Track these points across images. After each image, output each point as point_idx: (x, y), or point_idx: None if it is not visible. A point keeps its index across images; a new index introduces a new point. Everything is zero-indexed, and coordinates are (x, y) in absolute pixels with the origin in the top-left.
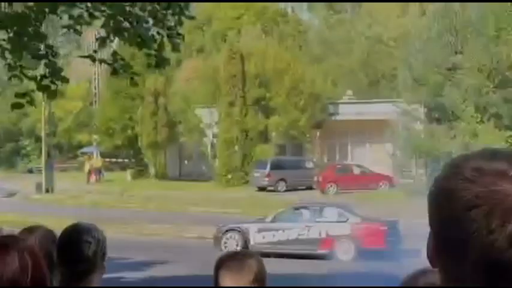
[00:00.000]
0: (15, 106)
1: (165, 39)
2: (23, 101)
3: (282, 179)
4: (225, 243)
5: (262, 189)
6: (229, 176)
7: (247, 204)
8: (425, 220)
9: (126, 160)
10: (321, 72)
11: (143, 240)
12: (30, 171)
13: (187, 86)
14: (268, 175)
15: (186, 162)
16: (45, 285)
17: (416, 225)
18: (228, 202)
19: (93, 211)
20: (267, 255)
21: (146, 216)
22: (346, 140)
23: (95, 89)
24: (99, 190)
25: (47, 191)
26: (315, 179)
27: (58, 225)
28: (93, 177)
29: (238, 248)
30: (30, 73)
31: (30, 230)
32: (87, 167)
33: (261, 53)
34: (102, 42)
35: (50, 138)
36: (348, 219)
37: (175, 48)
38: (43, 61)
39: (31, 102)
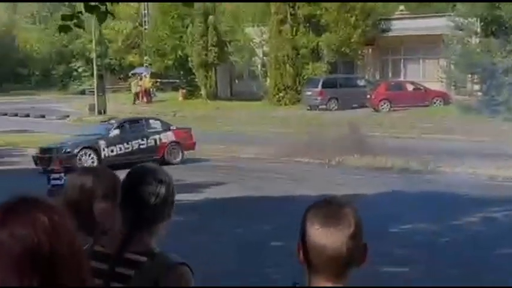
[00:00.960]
0: (63, 29)
1: None
2: (70, 23)
3: (333, 98)
4: (80, 159)
5: (313, 107)
6: (281, 95)
7: (299, 123)
8: (480, 138)
9: (177, 80)
10: None
11: (197, 162)
12: (83, 92)
13: (236, 4)
14: (320, 93)
15: (236, 81)
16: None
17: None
18: (280, 121)
19: None
20: (117, 166)
21: (198, 136)
22: (399, 57)
23: (145, 9)
24: (151, 111)
25: (100, 112)
26: (368, 96)
27: None
28: (142, 99)
29: (95, 164)
30: None
31: (88, 170)
32: (133, 88)
33: None
34: None
35: (101, 60)
36: (170, 127)
37: None
38: None
39: (79, 25)
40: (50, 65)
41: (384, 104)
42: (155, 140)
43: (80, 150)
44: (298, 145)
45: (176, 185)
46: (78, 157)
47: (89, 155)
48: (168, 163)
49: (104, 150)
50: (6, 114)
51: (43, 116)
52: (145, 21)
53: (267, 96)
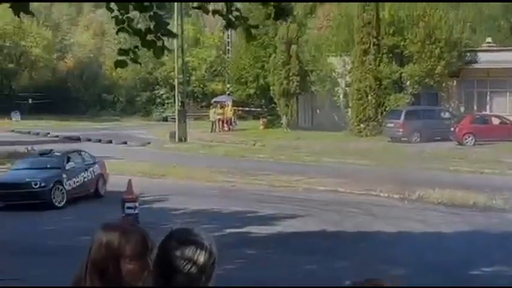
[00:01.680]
0: (119, 64)
1: None
2: (126, 58)
3: (416, 130)
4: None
5: (395, 140)
6: (362, 126)
7: (380, 156)
8: None
9: (258, 109)
10: (459, 19)
11: (273, 192)
12: (165, 119)
13: (320, 34)
14: (402, 125)
15: (317, 111)
16: None
17: None
18: (361, 153)
19: (225, 161)
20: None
21: (277, 167)
22: (484, 89)
23: (228, 37)
24: (231, 139)
25: (180, 140)
26: (451, 129)
27: (189, 174)
28: (222, 127)
29: (64, 199)
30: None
31: (114, 227)
32: (212, 116)
33: None
34: None
35: (183, 87)
36: (96, 160)
37: None
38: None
39: (135, 60)
40: (134, 91)
41: (468, 137)
42: (91, 172)
43: (54, 184)
44: (377, 178)
45: (249, 216)
46: (52, 192)
47: (60, 189)
48: (100, 195)
49: (65, 184)
50: (90, 140)
51: (125, 143)
52: (228, 50)
53: (348, 127)
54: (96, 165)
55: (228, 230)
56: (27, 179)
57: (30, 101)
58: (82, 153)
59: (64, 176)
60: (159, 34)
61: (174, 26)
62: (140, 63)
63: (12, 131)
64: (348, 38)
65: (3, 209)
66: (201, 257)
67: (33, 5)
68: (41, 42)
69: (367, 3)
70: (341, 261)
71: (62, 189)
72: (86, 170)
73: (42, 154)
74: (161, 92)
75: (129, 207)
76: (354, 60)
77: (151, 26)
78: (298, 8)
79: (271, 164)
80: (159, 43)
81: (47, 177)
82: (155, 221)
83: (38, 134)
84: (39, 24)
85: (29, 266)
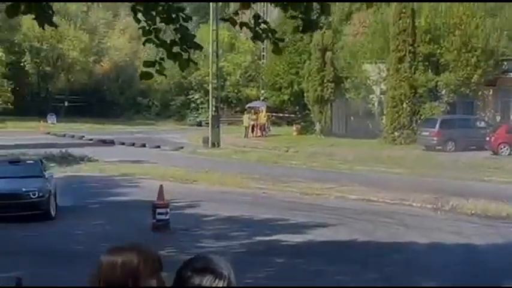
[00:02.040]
0: (144, 75)
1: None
2: (152, 70)
3: (451, 139)
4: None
5: (430, 148)
6: (396, 134)
7: (413, 164)
8: None
9: (292, 115)
10: (495, 27)
11: (304, 200)
12: (199, 124)
13: (355, 40)
14: (437, 134)
15: (352, 118)
16: None
17: None
18: (394, 161)
19: (257, 167)
20: None
21: (309, 174)
22: None
23: (263, 43)
24: (265, 145)
25: (213, 145)
26: (487, 139)
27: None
28: (255, 132)
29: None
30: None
31: (140, 251)
32: (245, 122)
33: (432, 7)
34: (244, 4)
35: (218, 92)
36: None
37: (324, 11)
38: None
39: (160, 72)
40: (169, 95)
41: (504, 147)
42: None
43: (49, 194)
44: (410, 187)
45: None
46: (50, 202)
47: (54, 199)
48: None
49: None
50: (123, 144)
51: (158, 147)
52: (263, 55)
53: (382, 134)
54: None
55: (257, 238)
56: (24, 189)
57: (66, 103)
58: (43, 160)
59: (49, 185)
60: (184, 46)
61: (209, 31)
62: (166, 75)
63: (48, 133)
64: (383, 45)
65: None
66: (220, 286)
67: (70, 9)
68: (78, 45)
69: (404, 10)
70: (372, 273)
71: (54, 199)
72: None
73: (12, 162)
74: (195, 97)
75: (160, 213)
76: (389, 67)
77: (177, 38)
78: (334, 15)
79: (303, 170)
80: (185, 55)
81: (41, 187)
82: (186, 227)
83: (73, 136)
84: (76, 27)
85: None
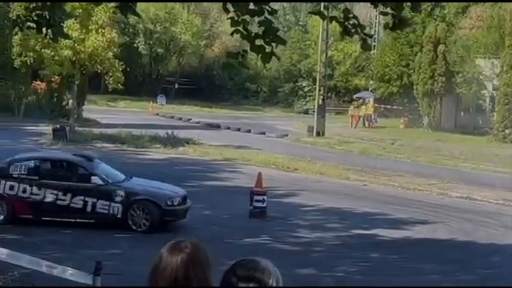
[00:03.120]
0: (227, 67)
1: None
2: (234, 62)
3: None
4: None
5: None
6: (507, 132)
7: None
8: None
9: (400, 107)
10: None
11: (405, 195)
12: (306, 112)
13: (469, 34)
14: None
15: (462, 114)
16: None
17: None
18: (503, 160)
19: (360, 159)
20: None
21: (413, 168)
22: None
23: (375, 33)
24: (370, 136)
25: (318, 134)
26: None
27: (321, 170)
28: (362, 123)
29: None
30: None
31: (180, 249)
32: (352, 111)
33: None
34: None
35: (325, 81)
36: None
37: (414, 8)
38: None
39: (243, 64)
40: (277, 82)
41: None
42: None
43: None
44: None
45: (378, 218)
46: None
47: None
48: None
49: None
50: (229, 128)
51: (263, 133)
52: (374, 46)
53: (492, 131)
54: None
55: (355, 231)
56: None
57: (176, 86)
58: None
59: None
60: (267, 39)
61: (320, 20)
62: (248, 68)
63: (157, 114)
64: (498, 40)
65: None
66: None
67: None
68: (190, 29)
69: None
70: (467, 274)
71: None
72: None
73: None
74: (303, 85)
75: (257, 200)
76: (503, 63)
77: (261, 31)
78: (449, 7)
79: (407, 165)
80: (268, 49)
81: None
82: (283, 216)
83: (180, 119)
84: (190, 11)
85: None
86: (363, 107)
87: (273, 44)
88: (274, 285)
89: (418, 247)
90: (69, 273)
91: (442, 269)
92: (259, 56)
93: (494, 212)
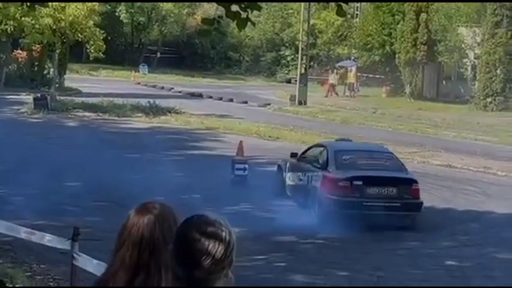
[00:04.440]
0: (203, 33)
1: None
2: (210, 28)
3: None
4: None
5: None
6: (488, 100)
7: (503, 132)
8: None
9: (382, 76)
10: None
11: None
12: (289, 81)
13: (451, 3)
14: None
15: (444, 82)
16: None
17: None
18: (484, 128)
19: (342, 128)
20: None
21: (394, 136)
22: None
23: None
24: (352, 105)
25: (300, 103)
26: None
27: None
28: (330, 91)
29: None
30: None
31: (147, 210)
32: (331, 80)
33: None
34: None
35: (307, 50)
36: None
37: None
38: None
39: (219, 30)
40: (260, 51)
41: None
42: None
43: None
44: (497, 156)
45: None
46: None
47: None
48: None
49: None
50: (211, 98)
51: (245, 102)
52: (356, 14)
53: (474, 100)
54: None
55: None
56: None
57: (158, 54)
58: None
59: None
60: (243, 5)
61: None
62: (225, 34)
63: (139, 83)
64: (480, 8)
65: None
66: (220, 249)
67: None
68: None
69: None
70: (447, 240)
71: None
72: None
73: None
74: (286, 54)
75: (238, 169)
76: (485, 32)
77: None
78: None
79: (389, 133)
80: (244, 15)
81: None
82: (264, 184)
83: (162, 88)
84: None
85: None
86: (333, 75)
87: (248, 10)
88: (228, 237)
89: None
90: (47, 239)
91: (421, 236)
92: (235, 22)
93: (474, 180)
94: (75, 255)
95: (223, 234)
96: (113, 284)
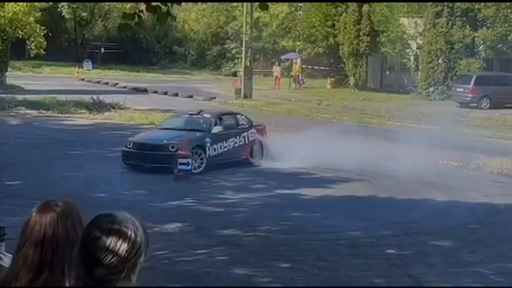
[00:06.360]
0: (122, 28)
1: None
2: (131, 22)
3: (486, 96)
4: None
5: (464, 105)
6: (431, 90)
7: (445, 121)
8: None
9: (327, 68)
10: None
11: None
12: (235, 74)
13: None
14: (472, 91)
15: (387, 73)
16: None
17: None
18: (427, 117)
19: (287, 119)
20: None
21: (338, 127)
22: None
23: None
24: (297, 97)
25: (245, 96)
26: None
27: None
28: (279, 84)
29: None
30: None
31: (49, 208)
32: (275, 73)
33: None
34: None
35: (251, 43)
36: (253, 124)
37: None
38: None
39: (140, 24)
40: (205, 45)
41: None
42: (244, 138)
43: (192, 149)
44: (438, 144)
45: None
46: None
47: (199, 154)
48: (251, 164)
49: (208, 149)
50: (156, 92)
51: (191, 96)
52: (300, 7)
53: (417, 90)
54: (252, 130)
55: (279, 191)
56: (165, 141)
57: (102, 50)
58: (237, 116)
59: (207, 140)
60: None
61: None
62: (145, 29)
63: (83, 79)
64: None
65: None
66: (123, 248)
67: None
68: None
69: None
70: (388, 229)
71: (201, 154)
72: (238, 135)
73: (191, 114)
74: (231, 47)
75: (182, 163)
76: (426, 22)
77: None
78: None
79: (334, 124)
80: (164, 9)
81: (184, 141)
82: (208, 178)
83: (107, 83)
84: None
85: None
86: (277, 67)
87: (169, 4)
88: (133, 237)
89: (339, 204)
90: None
91: (363, 225)
92: (156, 16)
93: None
94: (1, 255)
95: (129, 232)
96: (15, 283)
